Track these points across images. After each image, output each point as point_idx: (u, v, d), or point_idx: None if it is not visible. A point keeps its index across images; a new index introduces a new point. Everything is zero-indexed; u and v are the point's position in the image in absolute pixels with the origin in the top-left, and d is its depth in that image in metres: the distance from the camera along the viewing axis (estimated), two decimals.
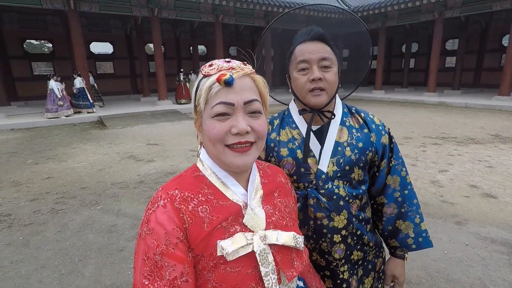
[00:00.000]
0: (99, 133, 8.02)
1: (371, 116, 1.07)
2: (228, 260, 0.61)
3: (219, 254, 0.61)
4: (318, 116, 0.98)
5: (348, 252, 1.01)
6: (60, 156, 5.78)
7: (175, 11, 12.43)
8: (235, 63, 0.66)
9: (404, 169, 1.08)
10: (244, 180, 0.71)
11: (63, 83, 10.36)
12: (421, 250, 1.09)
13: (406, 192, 1.07)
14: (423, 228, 1.08)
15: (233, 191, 0.68)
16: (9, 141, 7.24)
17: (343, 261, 1.01)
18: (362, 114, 1.06)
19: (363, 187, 1.03)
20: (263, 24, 14.91)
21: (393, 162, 1.06)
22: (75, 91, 10.57)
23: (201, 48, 19.71)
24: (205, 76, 0.65)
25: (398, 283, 1.10)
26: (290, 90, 1.01)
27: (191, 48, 18.36)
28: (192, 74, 14.21)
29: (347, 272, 1.02)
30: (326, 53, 0.92)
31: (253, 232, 0.66)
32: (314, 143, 0.98)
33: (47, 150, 6.31)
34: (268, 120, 1.06)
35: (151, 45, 15.13)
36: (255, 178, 0.73)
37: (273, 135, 1.03)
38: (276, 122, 1.06)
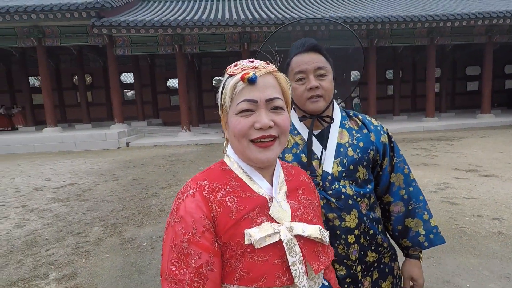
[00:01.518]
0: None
1: (369, 119, 1.12)
2: (255, 248, 0.63)
3: (246, 242, 0.63)
4: (318, 121, 1.03)
5: (362, 252, 1.02)
6: None
7: (329, 41, 13.07)
8: (259, 62, 0.69)
9: (406, 166, 1.11)
10: (269, 175, 0.74)
11: None
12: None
13: (411, 189, 1.10)
14: (433, 225, 1.08)
15: (259, 185, 0.71)
16: (193, 153, 9.56)
17: (357, 261, 1.01)
18: (360, 117, 1.11)
19: (370, 186, 1.05)
20: (426, 42, 13.32)
21: (395, 160, 1.10)
22: None
23: (355, 73, 19.52)
24: (230, 75, 0.69)
25: (417, 285, 1.07)
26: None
27: (343, 73, 18.53)
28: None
29: (361, 273, 1.02)
30: (320, 62, 0.98)
31: (279, 223, 0.67)
32: (316, 146, 1.03)
33: (215, 160, 7.93)
34: None
35: None
36: (280, 173, 0.76)
37: None
38: None
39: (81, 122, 15.29)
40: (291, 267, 0.64)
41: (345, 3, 16.35)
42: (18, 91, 16.54)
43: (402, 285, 1.12)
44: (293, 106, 1.10)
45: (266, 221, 0.66)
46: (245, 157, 0.70)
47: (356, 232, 1.00)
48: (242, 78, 0.65)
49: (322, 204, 0.97)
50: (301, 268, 0.66)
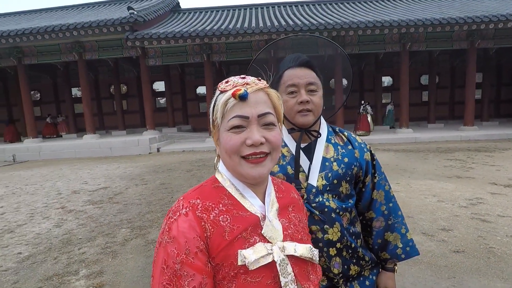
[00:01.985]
0: None
1: (354, 136, 1.15)
2: (250, 269, 0.62)
3: (239, 263, 0.63)
4: (306, 134, 1.06)
5: (346, 266, 1.04)
6: None
7: (358, 46, 12.82)
8: (250, 79, 0.69)
9: (387, 183, 1.16)
10: (261, 193, 0.73)
11: None
12: None
13: (390, 204, 1.14)
14: (409, 238, 1.15)
15: (251, 203, 0.70)
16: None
17: (340, 275, 1.03)
18: (346, 133, 1.15)
19: (351, 201, 1.08)
20: (465, 46, 12.58)
21: (377, 178, 1.13)
22: None
23: (386, 78, 18.91)
24: (221, 92, 0.68)
25: None
26: None
27: (374, 79, 18.03)
28: (365, 105, 13.89)
29: (343, 285, 1.05)
30: (312, 78, 1.01)
31: (271, 243, 0.67)
32: (303, 159, 1.05)
33: None
34: None
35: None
36: (271, 191, 0.76)
37: None
38: None
39: (117, 129, 16.28)
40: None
41: (376, 7, 15.99)
42: (62, 102, 18.03)
43: None
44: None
45: (259, 240, 0.66)
46: (237, 173, 0.69)
47: (338, 245, 1.02)
48: (233, 95, 0.65)
49: None
50: None
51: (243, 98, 0.64)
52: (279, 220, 0.72)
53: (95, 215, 4.70)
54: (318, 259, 0.73)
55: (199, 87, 19.08)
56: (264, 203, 0.72)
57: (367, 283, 1.10)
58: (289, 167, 1.04)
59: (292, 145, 1.07)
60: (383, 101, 17.40)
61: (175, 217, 0.64)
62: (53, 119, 17.01)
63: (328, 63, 1.31)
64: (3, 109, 18.54)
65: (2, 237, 4.06)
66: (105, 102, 18.84)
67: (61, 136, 16.68)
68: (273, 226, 0.69)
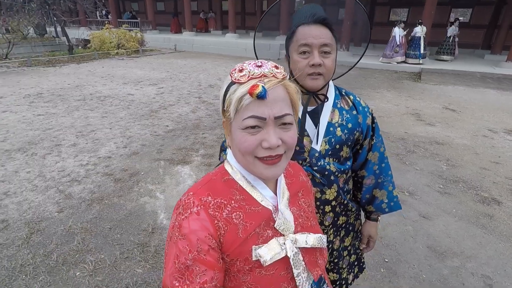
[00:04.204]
0: (408, 85, 8.19)
1: (358, 99, 1.14)
2: (264, 265, 0.64)
3: (254, 259, 0.64)
4: (313, 98, 1.03)
5: (336, 218, 1.15)
6: (363, 96, 6.84)
7: None
8: (267, 67, 0.62)
9: (382, 145, 1.20)
10: (272, 182, 0.71)
11: (406, 30, 10.90)
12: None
13: (383, 165, 1.20)
14: (395, 194, 1.23)
15: (263, 195, 0.69)
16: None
17: (330, 226, 1.14)
18: (351, 97, 1.13)
19: (349, 163, 1.13)
20: None
21: (374, 140, 1.17)
22: (410, 38, 10.87)
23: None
24: (234, 82, 0.62)
25: (372, 241, 1.29)
26: (288, 70, 0.99)
27: None
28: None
29: (332, 234, 1.17)
30: (328, 39, 0.94)
31: (283, 235, 0.68)
32: (308, 124, 1.04)
33: (357, 88, 7.62)
34: None
35: None
36: (281, 178, 0.74)
37: None
38: None
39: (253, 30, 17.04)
40: (295, 278, 0.69)
41: None
42: None
43: (360, 241, 1.31)
44: (287, 78, 1.11)
45: (271, 234, 0.67)
46: (250, 171, 0.67)
47: (333, 203, 1.10)
48: (250, 93, 0.58)
49: None
50: (304, 277, 0.71)
51: (261, 97, 0.58)
52: (290, 209, 0.72)
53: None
54: (326, 243, 0.75)
55: None
56: (275, 194, 0.71)
57: (349, 228, 1.24)
58: None
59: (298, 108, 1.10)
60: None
61: (186, 215, 0.63)
62: (205, 14, 19.06)
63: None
64: (170, 2, 21.75)
65: (159, 111, 5.59)
66: (248, 1, 19.39)
67: (210, 31, 18.84)
68: (285, 218, 0.69)
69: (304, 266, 0.70)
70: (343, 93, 1.14)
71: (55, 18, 13.31)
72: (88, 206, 2.76)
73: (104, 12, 20.10)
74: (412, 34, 10.75)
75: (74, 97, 6.38)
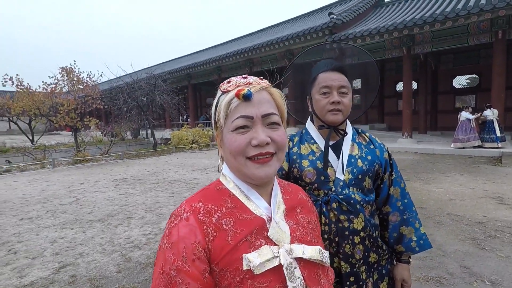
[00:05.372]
0: (487, 169, 7.37)
1: (374, 136, 1.26)
2: (255, 273, 0.60)
3: (245, 268, 0.60)
4: (334, 132, 1.15)
5: (366, 253, 1.13)
6: (428, 179, 6.36)
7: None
8: (252, 78, 0.68)
9: (402, 181, 1.25)
10: (266, 194, 0.71)
11: (474, 114, 10.44)
12: None
13: (406, 200, 1.23)
14: (423, 232, 1.22)
15: (256, 205, 0.68)
16: (405, 161, 8.95)
17: (361, 261, 1.11)
18: (367, 134, 1.26)
19: (372, 195, 1.18)
20: None
21: (393, 175, 1.23)
22: (481, 122, 10.25)
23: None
24: (224, 92, 0.66)
25: (407, 286, 1.21)
26: (310, 109, 1.15)
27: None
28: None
29: (365, 273, 1.12)
30: (344, 82, 1.11)
31: (278, 246, 0.65)
32: (331, 155, 1.14)
33: (424, 172, 7.13)
34: (288, 137, 1.21)
35: None
36: (277, 192, 0.73)
37: (295, 149, 1.20)
38: (296, 139, 1.24)
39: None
40: None
41: None
42: None
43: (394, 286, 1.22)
44: (309, 118, 1.25)
45: (264, 243, 0.64)
46: (242, 174, 0.67)
47: (362, 234, 1.11)
48: (237, 95, 0.63)
49: (335, 207, 1.09)
50: None
51: (247, 98, 0.63)
52: (287, 222, 0.70)
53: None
54: (328, 261, 0.71)
55: (399, 82, 17.63)
56: (269, 205, 0.70)
57: (383, 271, 1.19)
58: (318, 162, 1.14)
59: (321, 142, 1.17)
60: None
61: (176, 222, 0.63)
62: None
63: (357, 69, 1.36)
64: None
65: None
66: None
67: None
68: (279, 228, 0.66)
69: (303, 281, 0.64)
70: (359, 131, 1.26)
71: (147, 122, 16.34)
72: (142, 269, 2.93)
73: (185, 117, 23.99)
74: (482, 117, 10.20)
75: (150, 181, 7.33)
